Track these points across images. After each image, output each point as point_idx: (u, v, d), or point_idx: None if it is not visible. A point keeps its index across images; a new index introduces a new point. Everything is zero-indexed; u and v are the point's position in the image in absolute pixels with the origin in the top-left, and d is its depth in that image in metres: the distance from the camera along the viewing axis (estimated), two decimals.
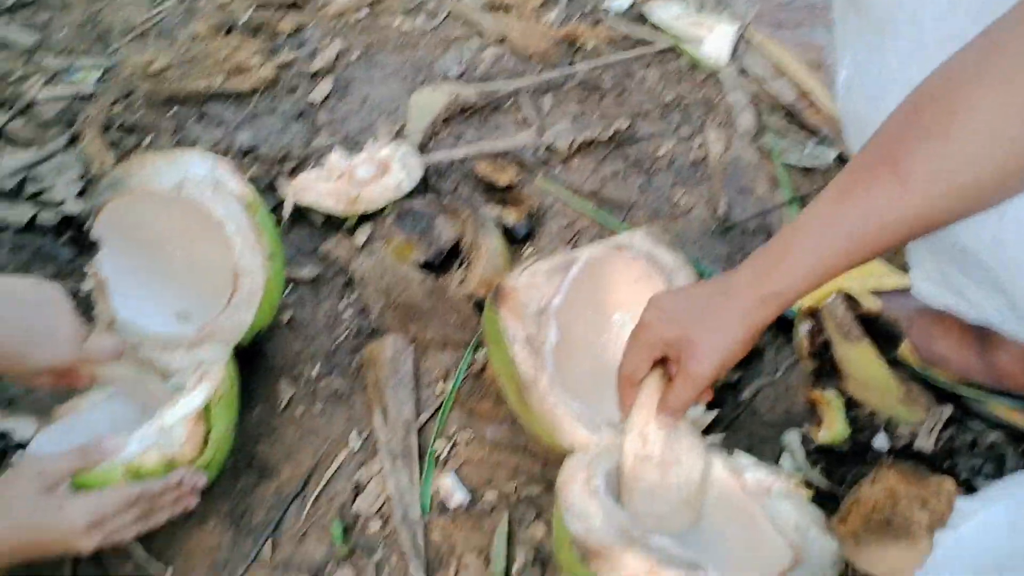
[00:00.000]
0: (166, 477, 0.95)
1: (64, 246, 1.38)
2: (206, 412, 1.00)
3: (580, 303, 1.12)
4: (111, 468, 0.94)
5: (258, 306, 1.13)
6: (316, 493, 1.11)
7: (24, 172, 1.48)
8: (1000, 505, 0.64)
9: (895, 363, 1.17)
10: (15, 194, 1.45)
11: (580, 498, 0.92)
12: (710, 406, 1.11)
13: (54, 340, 0.93)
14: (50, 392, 1.12)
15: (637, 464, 0.94)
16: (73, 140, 1.55)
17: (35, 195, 1.44)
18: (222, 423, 1.03)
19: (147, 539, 1.03)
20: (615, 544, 0.86)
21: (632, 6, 1.88)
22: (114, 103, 1.63)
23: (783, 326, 1.29)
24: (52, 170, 1.49)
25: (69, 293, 1.26)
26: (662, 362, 0.94)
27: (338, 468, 1.13)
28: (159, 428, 0.97)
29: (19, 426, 1.06)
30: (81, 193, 1.46)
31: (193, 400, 1.01)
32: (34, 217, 1.40)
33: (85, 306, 1.19)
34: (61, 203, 1.43)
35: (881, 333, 1.15)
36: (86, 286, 1.14)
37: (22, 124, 1.58)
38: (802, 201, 1.46)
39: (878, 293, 1.24)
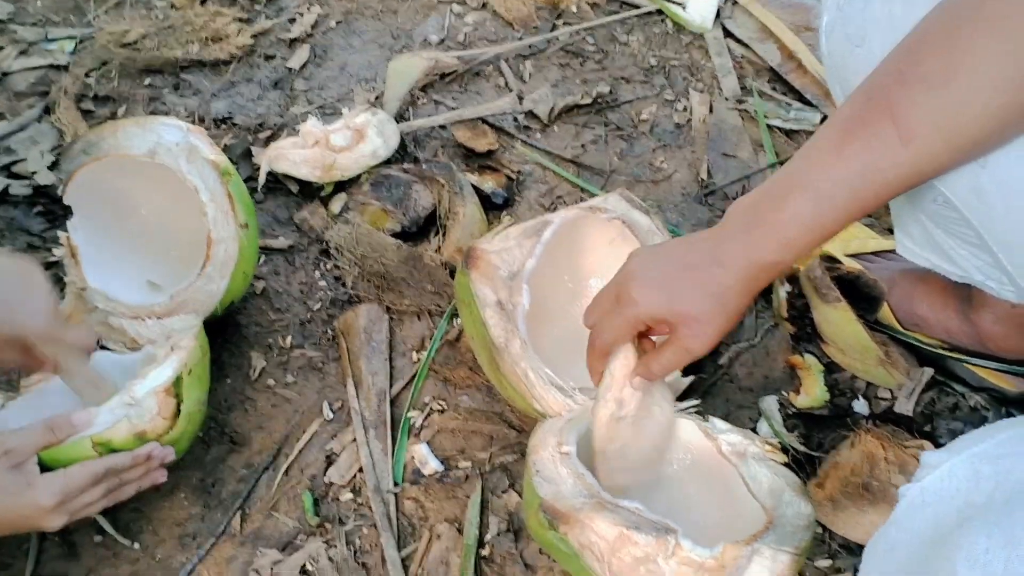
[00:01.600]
0: (134, 451, 0.93)
1: (37, 217, 1.36)
2: (177, 384, 0.98)
3: (554, 267, 1.10)
4: (80, 442, 0.92)
5: (231, 276, 1.11)
6: (287, 464, 1.09)
7: None
8: (963, 455, 0.62)
9: (876, 326, 1.16)
10: None
11: (550, 463, 0.91)
12: (686, 372, 1.09)
13: (26, 311, 0.92)
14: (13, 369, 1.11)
15: (611, 425, 0.91)
16: (47, 111, 1.53)
17: (7, 166, 1.42)
18: (193, 395, 1.01)
19: (114, 512, 1.02)
20: (584, 508, 0.85)
21: None
22: (88, 73, 1.60)
23: (764, 291, 1.27)
24: (25, 141, 1.46)
25: (42, 264, 1.26)
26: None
27: (310, 439, 1.12)
28: (129, 401, 0.95)
29: None
30: (54, 165, 1.43)
31: (163, 372, 0.99)
32: (6, 188, 1.38)
33: (56, 274, 1.19)
34: (34, 174, 1.40)
35: (861, 295, 1.13)
36: (57, 253, 1.12)
37: None
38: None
39: (860, 255, 1.22)
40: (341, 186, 1.39)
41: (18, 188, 1.39)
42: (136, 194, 1.17)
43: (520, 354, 1.00)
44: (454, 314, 1.23)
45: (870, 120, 0.75)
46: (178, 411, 0.97)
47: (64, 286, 1.13)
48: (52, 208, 1.36)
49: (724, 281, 0.81)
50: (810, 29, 1.70)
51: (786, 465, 0.96)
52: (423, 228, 1.33)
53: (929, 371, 1.12)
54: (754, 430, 1.12)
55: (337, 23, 1.72)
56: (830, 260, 1.17)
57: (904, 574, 0.62)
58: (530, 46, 1.66)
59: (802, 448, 1.08)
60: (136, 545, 1.03)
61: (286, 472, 1.09)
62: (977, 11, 0.69)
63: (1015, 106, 0.69)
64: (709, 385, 1.17)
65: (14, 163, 1.43)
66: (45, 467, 0.89)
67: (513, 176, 1.42)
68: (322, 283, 1.30)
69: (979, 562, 0.55)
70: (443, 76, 1.59)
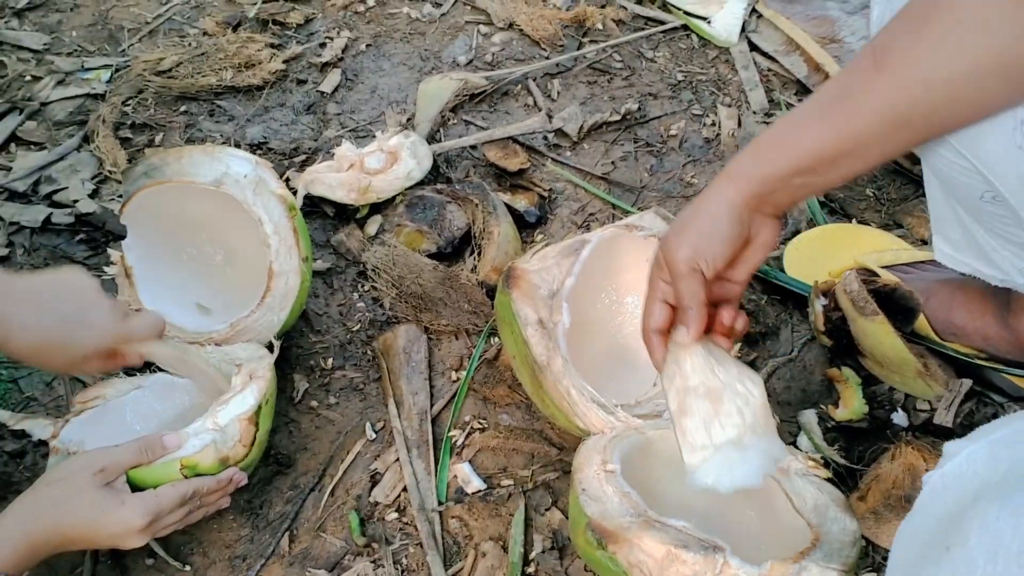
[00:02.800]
0: (218, 476, 0.96)
1: (79, 244, 1.39)
2: (257, 413, 1.01)
3: (592, 285, 1.11)
4: (168, 463, 0.95)
5: (291, 308, 1.14)
6: (333, 484, 1.11)
7: (38, 173, 1.49)
8: (982, 442, 0.64)
9: (912, 338, 1.16)
10: (30, 195, 1.46)
11: (596, 481, 0.92)
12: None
13: (91, 324, 0.94)
14: (71, 387, 1.13)
15: (683, 399, 0.87)
16: (86, 140, 1.56)
17: (49, 195, 1.45)
18: (266, 424, 1.04)
19: (164, 536, 1.04)
20: (632, 526, 0.85)
21: None
22: (125, 102, 1.63)
23: (799, 304, 1.27)
24: (66, 170, 1.50)
25: None
26: None
27: (354, 459, 1.14)
28: (214, 426, 0.98)
29: (36, 426, 1.07)
30: (94, 193, 1.47)
31: (246, 399, 1.01)
32: (48, 217, 1.41)
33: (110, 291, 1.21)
34: (75, 203, 1.43)
35: (898, 308, 1.14)
36: (110, 272, 1.15)
37: (35, 126, 1.59)
38: None
39: (894, 267, 1.23)
40: (376, 208, 1.41)
41: (60, 216, 1.42)
42: (192, 218, 1.19)
43: (562, 372, 1.01)
44: (491, 333, 1.24)
45: (856, 58, 0.79)
46: (255, 438, 1.00)
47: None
48: (94, 235, 1.39)
49: (698, 198, 0.84)
50: (835, 41, 1.71)
51: (828, 480, 0.97)
52: (458, 248, 1.35)
53: (967, 382, 1.12)
54: (794, 444, 1.13)
55: (367, 47, 1.74)
56: (867, 272, 1.17)
57: (924, 551, 0.63)
58: (557, 64, 1.67)
59: (843, 461, 1.09)
60: (187, 567, 1.04)
61: (332, 493, 1.10)
62: None
63: (988, 49, 0.71)
64: None
65: (55, 192, 1.46)
66: (133, 486, 0.92)
67: (545, 194, 1.43)
68: (360, 304, 1.32)
69: (989, 529, 0.56)
70: (472, 96, 1.61)
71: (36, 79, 1.67)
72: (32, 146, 1.55)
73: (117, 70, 1.71)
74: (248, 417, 0.99)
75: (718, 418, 0.85)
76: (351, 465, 1.13)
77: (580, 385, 1.01)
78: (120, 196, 1.42)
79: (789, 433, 1.14)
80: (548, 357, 1.02)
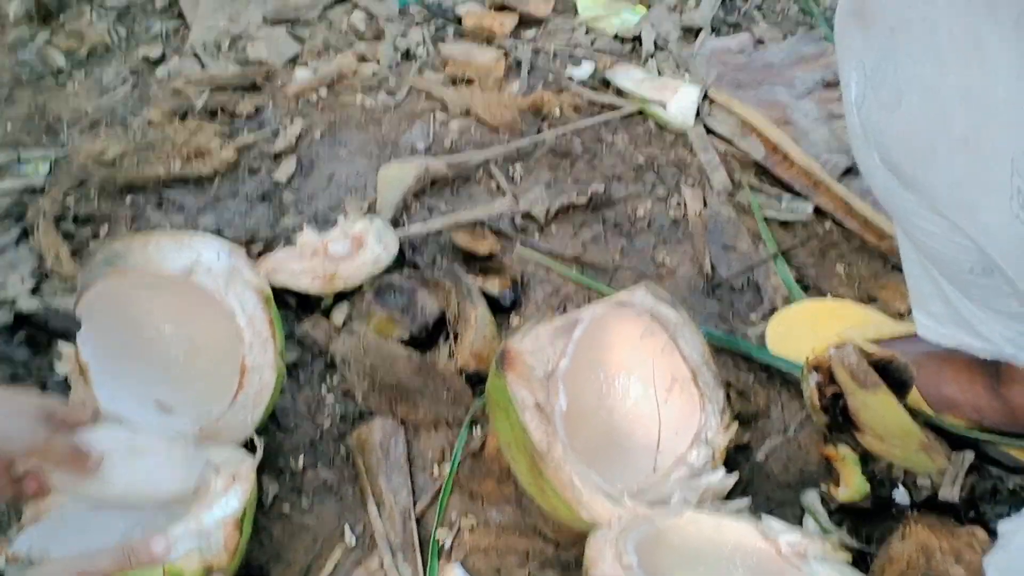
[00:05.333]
0: None
1: (20, 346, 1.28)
2: (242, 517, 0.93)
3: (586, 365, 1.07)
4: (151, 569, 0.85)
5: (266, 405, 1.06)
6: None
7: None
8: None
9: (911, 411, 1.14)
10: None
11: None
12: (728, 468, 1.06)
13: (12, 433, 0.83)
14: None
15: None
16: (24, 235, 1.47)
17: None
18: (247, 529, 0.96)
19: None
20: None
21: (594, 73, 1.87)
22: (66, 194, 1.55)
23: (786, 382, 1.24)
24: (3, 267, 1.40)
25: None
26: None
27: (334, 568, 1.04)
28: (198, 530, 0.90)
29: None
30: (35, 290, 1.37)
31: (230, 503, 0.94)
32: None
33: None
34: (14, 301, 1.33)
35: (892, 380, 1.11)
36: (61, 370, 1.05)
37: None
38: (785, 255, 1.44)
39: (878, 342, 1.21)
40: (342, 296, 1.35)
41: None
42: (157, 310, 1.12)
43: (563, 459, 0.95)
44: (473, 422, 1.18)
45: None
46: (238, 543, 0.91)
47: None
48: (36, 336, 1.29)
49: None
50: (788, 123, 1.74)
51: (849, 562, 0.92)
52: (432, 335, 1.29)
53: (970, 454, 1.09)
54: (800, 525, 1.08)
55: (322, 135, 1.70)
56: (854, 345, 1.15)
57: None
58: (518, 149, 1.66)
59: (855, 544, 1.04)
60: None
61: None
62: None
63: None
64: (747, 484, 1.12)
65: None
66: None
67: (517, 278, 1.39)
68: (330, 399, 1.24)
69: None
70: (434, 182, 1.58)
71: None
72: None
73: (57, 162, 1.63)
74: (233, 521, 0.91)
75: None
76: (331, 575, 1.03)
77: (584, 473, 0.95)
78: (72, 290, 1.33)
79: (793, 516, 1.09)
80: (548, 443, 0.96)
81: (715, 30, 2.07)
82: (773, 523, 0.95)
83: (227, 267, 1.04)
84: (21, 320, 1.31)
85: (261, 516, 1.09)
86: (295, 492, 1.12)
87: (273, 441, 1.18)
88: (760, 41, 2.05)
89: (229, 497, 0.93)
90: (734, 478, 1.03)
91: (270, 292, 1.08)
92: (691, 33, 2.05)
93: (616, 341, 1.10)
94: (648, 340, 1.08)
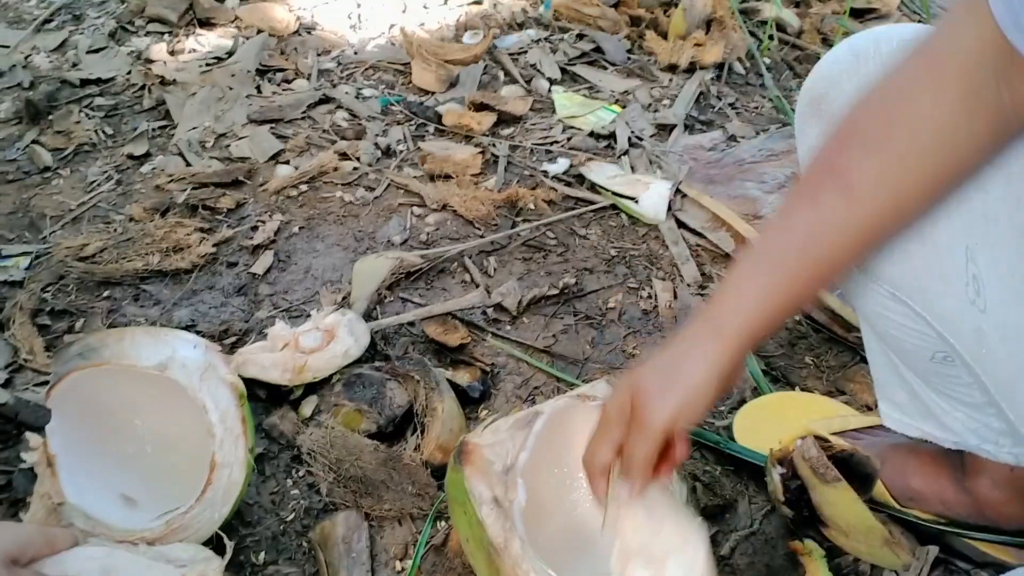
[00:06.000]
0: None
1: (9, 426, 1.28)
2: None
3: (546, 458, 1.06)
4: None
5: (233, 503, 1.05)
6: None
7: None
8: None
9: (872, 504, 1.13)
10: None
11: None
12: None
13: None
14: None
15: (625, 565, 0.85)
16: (1, 327, 1.48)
17: None
18: None
19: None
20: None
21: (568, 169, 1.92)
22: (45, 288, 1.57)
23: (753, 474, 1.24)
24: None
25: None
26: None
27: None
28: None
29: None
30: (7, 382, 1.37)
31: None
32: None
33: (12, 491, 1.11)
34: None
35: (855, 473, 1.11)
36: (28, 460, 1.05)
37: None
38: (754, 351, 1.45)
39: (843, 433, 1.21)
40: (312, 388, 1.35)
41: None
42: (128, 404, 1.12)
43: (521, 555, 0.94)
44: (438, 516, 1.17)
45: (814, 184, 0.79)
46: None
47: (22, 504, 1.04)
48: (6, 428, 1.29)
49: (677, 353, 0.82)
50: (758, 217, 1.78)
51: None
52: (400, 427, 1.29)
53: (934, 549, 1.09)
54: None
55: (300, 229, 1.73)
56: (820, 439, 1.15)
57: None
58: (492, 242, 1.69)
59: None
60: None
61: None
62: (913, 86, 0.74)
63: (948, 158, 0.74)
64: None
65: None
66: None
67: (487, 369, 1.40)
68: (295, 491, 1.23)
69: None
70: (409, 275, 1.60)
71: None
72: None
73: (37, 257, 1.65)
74: None
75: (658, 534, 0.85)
76: None
77: (541, 570, 0.94)
78: (44, 383, 1.33)
79: None
80: (505, 539, 0.95)
81: (688, 127, 2.13)
82: None
83: (202, 363, 1.05)
84: None
85: None
86: None
87: (235, 534, 1.16)
88: (732, 137, 2.11)
89: None
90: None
91: (244, 389, 1.09)
92: (665, 130, 2.11)
93: (577, 434, 1.09)
94: None
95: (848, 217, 0.76)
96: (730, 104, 2.28)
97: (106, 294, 1.58)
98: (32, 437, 1.03)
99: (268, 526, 1.18)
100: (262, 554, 1.14)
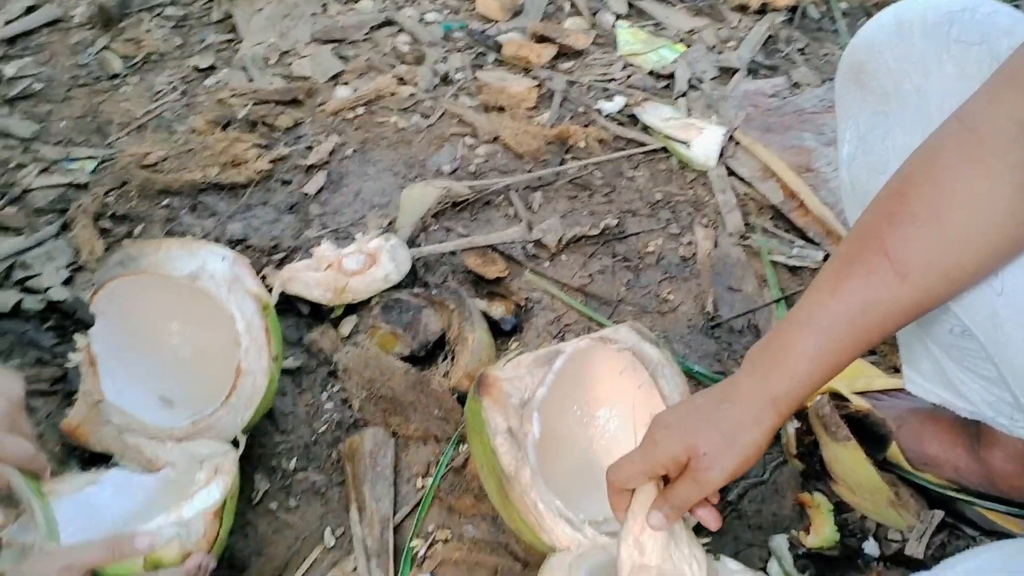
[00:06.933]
0: (186, 565, 0.93)
1: (48, 332, 1.37)
2: (223, 510, 0.99)
3: (564, 396, 1.10)
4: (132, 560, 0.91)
5: (256, 408, 1.12)
6: None
7: (13, 258, 1.48)
8: (949, 573, 0.63)
9: (885, 465, 1.15)
10: (1, 280, 1.44)
11: None
12: None
13: None
14: None
15: (635, 573, 0.90)
16: (64, 228, 1.56)
17: (22, 281, 1.44)
18: (228, 520, 1.01)
19: None
20: None
21: (623, 108, 1.91)
22: (108, 193, 1.64)
23: None
24: (41, 257, 1.49)
25: (51, 378, 1.26)
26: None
27: (310, 566, 1.09)
28: (178, 520, 0.95)
29: None
30: (68, 280, 1.45)
31: (211, 494, 0.99)
32: (19, 303, 1.39)
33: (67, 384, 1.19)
34: (47, 290, 1.42)
35: (869, 434, 1.13)
36: (74, 359, 1.12)
37: (15, 211, 1.58)
38: (788, 300, 1.46)
39: (866, 393, 1.22)
40: (352, 309, 1.41)
41: (31, 303, 1.40)
42: (165, 312, 1.18)
43: (529, 484, 0.99)
44: (460, 440, 1.22)
45: (865, 259, 0.79)
46: (218, 533, 0.96)
47: (72, 397, 1.12)
48: (64, 324, 1.37)
49: (733, 417, 0.84)
50: (811, 170, 1.76)
51: None
52: (431, 353, 1.34)
53: (939, 513, 1.11)
54: (764, 570, 1.10)
55: (353, 151, 1.77)
56: (838, 398, 1.17)
57: None
58: (539, 178, 1.70)
59: None
60: None
61: None
62: (960, 154, 0.73)
63: (1004, 238, 0.74)
64: None
65: (29, 278, 1.45)
66: None
67: (522, 303, 1.44)
68: (329, 405, 1.29)
69: None
70: (455, 204, 1.63)
71: (21, 166, 1.68)
72: (9, 231, 1.54)
73: (102, 162, 1.72)
74: (214, 512, 0.96)
75: None
76: (306, 573, 1.09)
77: (548, 499, 0.99)
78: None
79: (759, 558, 1.12)
80: (516, 468, 1.00)
81: (752, 72, 2.10)
82: (730, 563, 0.97)
83: (230, 275, 1.11)
84: (52, 308, 1.40)
85: (249, 511, 1.15)
86: (284, 491, 1.18)
87: (269, 441, 1.24)
88: (796, 85, 2.07)
89: (211, 489, 0.99)
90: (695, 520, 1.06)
91: (269, 300, 1.14)
92: (727, 73, 2.08)
93: (596, 375, 1.13)
94: (627, 376, 1.11)
95: (901, 295, 0.77)
96: (799, 50, 2.23)
97: (165, 203, 1.64)
98: (79, 338, 1.11)
99: (301, 435, 1.25)
100: (294, 460, 1.21)
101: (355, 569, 1.08)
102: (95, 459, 1.12)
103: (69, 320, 1.36)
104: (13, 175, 1.65)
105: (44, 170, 1.69)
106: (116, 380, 1.12)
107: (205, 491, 0.98)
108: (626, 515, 0.90)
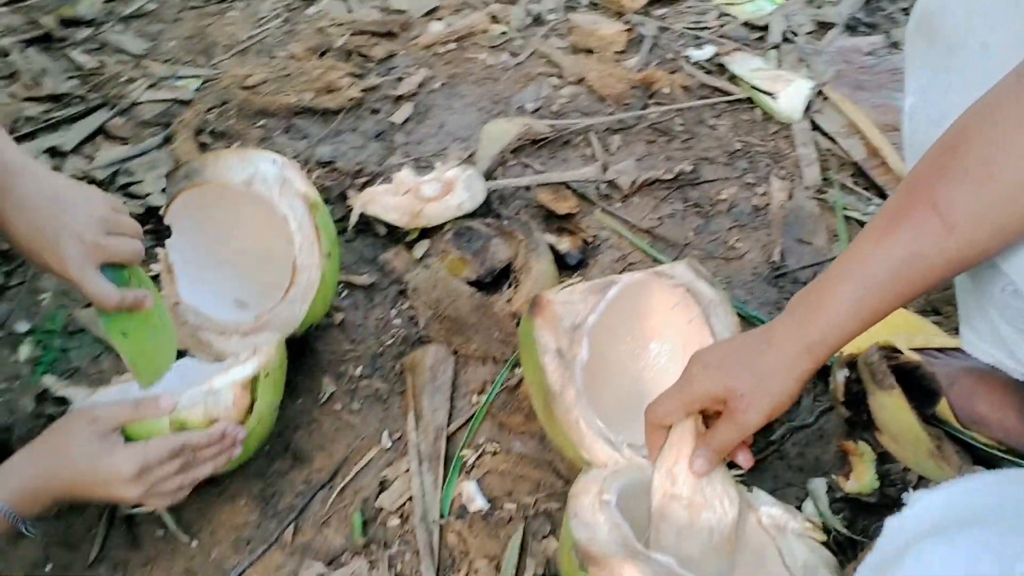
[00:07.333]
0: (209, 430, 1.00)
1: (145, 235, 1.47)
2: (253, 383, 1.05)
3: (615, 325, 1.14)
4: (159, 420, 1.00)
5: (312, 301, 1.19)
6: (343, 485, 1.15)
7: (118, 165, 1.59)
8: (942, 492, 0.66)
9: (933, 421, 1.16)
10: (107, 184, 1.55)
11: (589, 509, 0.94)
12: None
13: (58, 248, 0.94)
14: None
15: (665, 503, 0.94)
16: (167, 140, 1.66)
17: (125, 186, 1.55)
18: (266, 398, 1.08)
19: (177, 510, 1.10)
20: (616, 555, 0.87)
21: (712, 57, 1.91)
22: (209, 110, 1.74)
23: (823, 374, 1.28)
24: (144, 165, 1.60)
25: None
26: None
27: (367, 464, 1.17)
28: (208, 389, 1.03)
29: (78, 394, 1.13)
30: (165, 189, 1.55)
31: (243, 370, 1.06)
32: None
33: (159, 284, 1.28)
34: (147, 196, 1.53)
35: (919, 388, 1.14)
36: (155, 268, 1.22)
37: (122, 122, 1.70)
38: None
39: (924, 350, 1.23)
40: (425, 233, 1.47)
41: (132, 207, 1.51)
42: (232, 219, 1.27)
43: (573, 402, 1.04)
44: (517, 363, 1.28)
45: (913, 211, 0.79)
46: (251, 409, 1.04)
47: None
48: (159, 228, 1.47)
49: (770, 360, 0.86)
50: (897, 130, 1.73)
51: (825, 545, 0.97)
52: (497, 280, 1.39)
53: (980, 470, 1.11)
54: (799, 509, 1.13)
55: (441, 85, 1.82)
56: (891, 349, 1.18)
57: None
58: (620, 121, 1.73)
59: (845, 532, 1.08)
60: (195, 543, 1.09)
61: (340, 492, 1.14)
62: (1014, 112, 0.73)
63: None
64: (759, 460, 1.18)
65: (131, 184, 1.56)
66: (127, 442, 0.97)
67: (589, 240, 1.48)
68: (397, 321, 1.37)
69: (922, 559, 0.59)
70: (534, 142, 1.67)
71: (131, 80, 1.79)
72: (116, 140, 1.66)
73: (206, 81, 1.82)
74: (243, 384, 1.03)
75: (691, 530, 0.93)
76: (363, 469, 1.17)
77: (589, 417, 1.04)
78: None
79: (796, 498, 1.14)
80: (562, 386, 1.05)
81: (850, 28, 2.06)
82: (761, 495, 1.00)
83: (280, 177, 1.17)
84: (150, 213, 1.50)
85: (315, 410, 1.24)
86: (349, 395, 1.26)
87: (339, 349, 1.32)
88: (895, 44, 2.02)
89: (245, 365, 1.07)
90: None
91: (318, 199, 1.20)
92: (823, 28, 2.04)
93: (649, 308, 1.17)
94: (679, 312, 1.14)
95: (946, 248, 0.77)
96: (903, 8, 2.17)
97: (261, 123, 1.73)
98: (158, 249, 1.20)
99: (369, 346, 1.33)
100: (360, 368, 1.29)
101: (407, 470, 1.16)
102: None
103: (160, 223, 1.47)
104: (123, 88, 1.77)
105: (152, 86, 1.79)
106: (191, 286, 1.21)
107: (240, 367, 1.06)
108: (662, 447, 0.94)
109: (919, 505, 0.66)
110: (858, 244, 0.84)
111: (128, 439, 0.97)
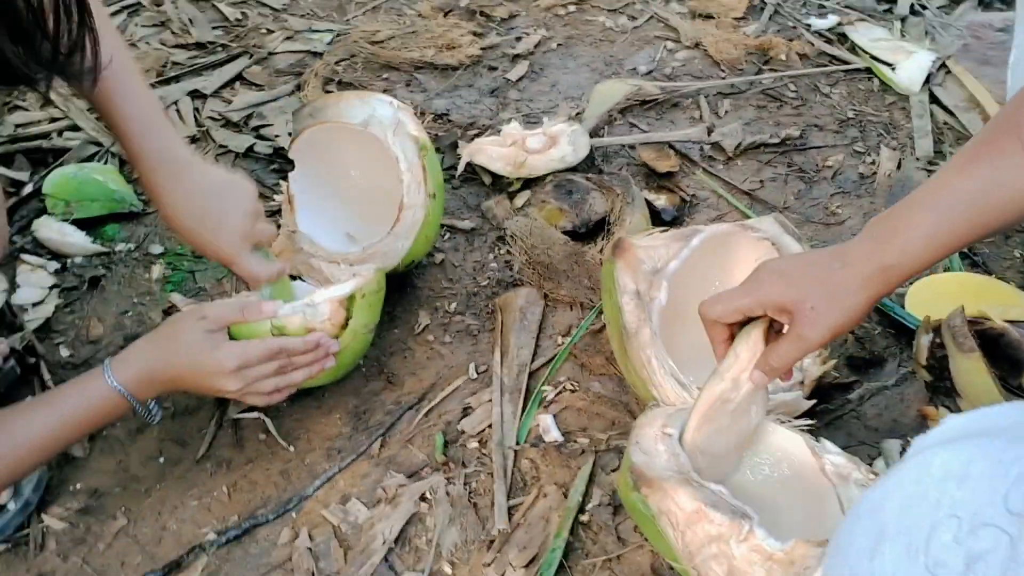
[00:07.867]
0: (305, 337, 1.09)
1: (272, 172, 1.59)
2: (350, 300, 1.14)
3: (698, 273, 1.17)
4: (261, 325, 1.09)
5: (415, 237, 1.27)
6: (429, 407, 1.23)
7: (252, 109, 1.71)
8: (972, 414, 0.67)
9: (1018, 391, 1.14)
10: (241, 126, 1.68)
11: (651, 439, 0.99)
12: (821, 401, 1.13)
13: (218, 236, 1.09)
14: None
15: (717, 406, 0.96)
16: (298, 88, 1.78)
17: (257, 128, 1.67)
18: (361, 318, 1.16)
19: (278, 418, 1.20)
20: (670, 480, 0.91)
21: (834, 26, 1.89)
22: (338, 62, 1.85)
23: (910, 339, 1.27)
24: (275, 110, 1.72)
25: (269, 210, 1.47)
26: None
27: (453, 391, 1.25)
28: (308, 302, 1.12)
29: None
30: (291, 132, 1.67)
31: (342, 288, 1.15)
32: (252, 146, 1.63)
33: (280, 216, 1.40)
34: (276, 137, 1.65)
35: (1005, 356, 1.12)
36: (277, 199, 1.33)
37: (259, 70, 1.83)
38: None
39: (1017, 323, 1.20)
40: (528, 184, 1.53)
41: (262, 147, 1.63)
42: (349, 157, 1.36)
43: (648, 342, 1.08)
44: (601, 310, 1.33)
45: (997, 142, 0.79)
46: (345, 324, 1.12)
47: (280, 227, 1.33)
48: (284, 167, 1.59)
49: (842, 277, 0.85)
50: None
51: None
52: (592, 231, 1.44)
53: None
54: (870, 465, 1.13)
55: (558, 45, 1.88)
56: (980, 318, 1.16)
57: None
58: (732, 85, 1.74)
59: None
60: (292, 448, 1.19)
61: (426, 414, 1.22)
62: None
63: None
64: (834, 417, 1.19)
65: (262, 127, 1.68)
66: (231, 340, 1.07)
67: (687, 199, 1.50)
68: (493, 264, 1.43)
69: (924, 460, 0.62)
70: (644, 103, 1.71)
71: (270, 32, 1.92)
72: (253, 86, 1.78)
73: (338, 35, 1.93)
74: (340, 300, 1.11)
75: (727, 432, 0.98)
76: (449, 395, 1.24)
77: (662, 357, 1.08)
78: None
79: (868, 456, 1.15)
80: (638, 326, 1.09)
81: (984, 3, 1.99)
82: (828, 444, 1.02)
83: (394, 120, 1.25)
84: (277, 153, 1.62)
85: (411, 339, 1.32)
86: (442, 328, 1.34)
87: (438, 286, 1.40)
88: None
89: (344, 285, 1.15)
90: (808, 404, 1.11)
91: (428, 142, 1.27)
92: (955, 2, 1.98)
93: (733, 259, 1.19)
94: None
95: None
96: None
97: (385, 76, 1.83)
98: (281, 182, 1.30)
99: (465, 286, 1.40)
100: (454, 304, 1.37)
101: (490, 400, 1.23)
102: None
103: (289, 164, 1.58)
104: (262, 39, 1.90)
105: (288, 38, 1.92)
106: (309, 216, 1.31)
107: (339, 286, 1.15)
108: (729, 354, 0.95)
109: (947, 424, 0.68)
110: (941, 174, 0.83)
111: (232, 338, 1.07)
